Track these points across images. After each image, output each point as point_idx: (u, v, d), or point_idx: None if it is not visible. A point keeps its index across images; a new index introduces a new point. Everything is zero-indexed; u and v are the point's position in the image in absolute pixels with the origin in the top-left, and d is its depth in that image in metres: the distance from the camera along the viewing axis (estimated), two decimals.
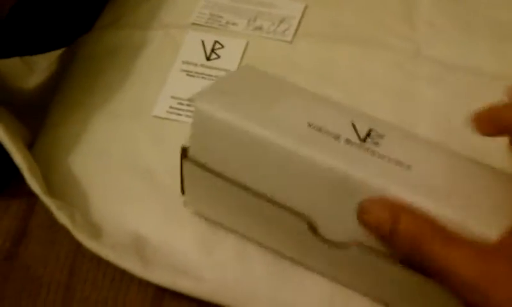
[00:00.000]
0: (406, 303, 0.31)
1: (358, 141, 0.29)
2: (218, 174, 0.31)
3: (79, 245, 0.34)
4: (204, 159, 0.31)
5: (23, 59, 0.46)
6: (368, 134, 0.30)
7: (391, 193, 0.27)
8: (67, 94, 0.43)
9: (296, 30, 0.44)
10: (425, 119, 0.39)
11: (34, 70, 0.47)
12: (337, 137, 0.29)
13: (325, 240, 0.30)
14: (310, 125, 0.30)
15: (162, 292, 0.34)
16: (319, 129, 0.29)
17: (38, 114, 0.43)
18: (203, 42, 0.43)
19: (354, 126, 0.30)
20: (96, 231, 0.34)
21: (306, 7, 0.45)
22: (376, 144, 0.29)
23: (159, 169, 0.37)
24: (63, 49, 0.47)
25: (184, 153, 0.32)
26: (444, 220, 0.26)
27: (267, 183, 0.30)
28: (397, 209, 0.27)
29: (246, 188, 0.30)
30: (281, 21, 0.44)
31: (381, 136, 0.30)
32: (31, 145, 0.40)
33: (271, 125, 0.29)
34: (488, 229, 0.26)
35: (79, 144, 0.39)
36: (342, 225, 0.29)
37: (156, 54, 0.43)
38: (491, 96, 0.40)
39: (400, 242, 0.26)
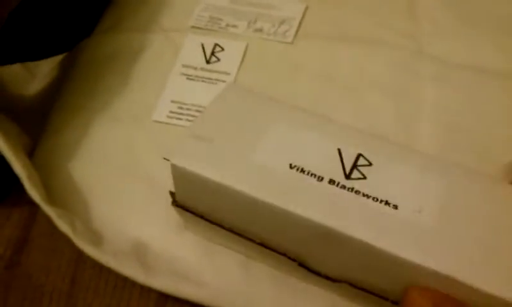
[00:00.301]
0: None
1: (342, 179, 0.29)
2: (207, 219, 0.32)
3: (80, 254, 0.33)
4: (191, 204, 0.32)
5: (24, 65, 0.46)
6: (355, 165, 0.29)
7: (377, 246, 0.26)
8: (67, 100, 0.43)
9: (297, 31, 0.43)
10: (429, 119, 0.39)
11: (35, 76, 0.47)
12: (320, 178, 0.29)
13: (317, 274, 0.30)
14: (291, 167, 0.29)
15: (164, 298, 0.33)
16: (301, 170, 0.29)
17: (39, 120, 0.43)
18: (202, 45, 0.43)
19: (340, 155, 0.30)
20: (97, 239, 0.34)
21: (306, 8, 0.45)
22: (362, 179, 0.29)
23: (159, 174, 0.37)
24: (64, 54, 0.47)
25: (173, 197, 0.32)
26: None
27: (252, 228, 0.30)
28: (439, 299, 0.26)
29: (235, 231, 0.31)
30: (282, 22, 0.43)
31: (369, 164, 0.29)
32: (32, 152, 0.40)
33: (249, 176, 0.29)
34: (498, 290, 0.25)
35: (79, 150, 0.39)
36: (333, 263, 0.29)
37: (156, 57, 0.43)
38: (496, 95, 0.41)
39: None
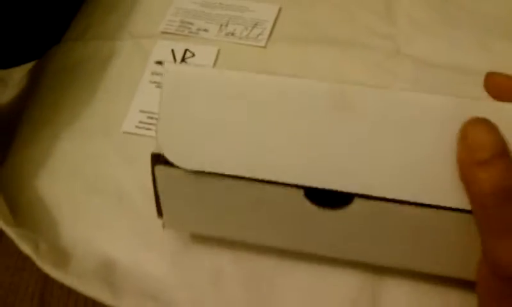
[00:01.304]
0: (407, 259, 0.29)
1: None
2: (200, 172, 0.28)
3: None
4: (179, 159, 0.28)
5: None
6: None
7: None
8: (36, 112, 0.41)
9: (270, 34, 0.42)
10: None
11: (7, 85, 0.46)
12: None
13: (324, 207, 0.28)
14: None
15: None
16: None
17: (8, 132, 0.41)
18: (173, 51, 0.41)
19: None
20: (63, 258, 0.33)
21: (280, 10, 0.43)
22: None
23: (129, 188, 0.36)
24: (32, 63, 0.46)
25: (156, 158, 0.29)
26: None
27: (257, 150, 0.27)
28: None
29: (235, 176, 0.27)
30: (255, 25, 0.42)
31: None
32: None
33: None
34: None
35: (47, 165, 0.38)
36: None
37: (125, 65, 0.42)
38: (476, 94, 0.39)
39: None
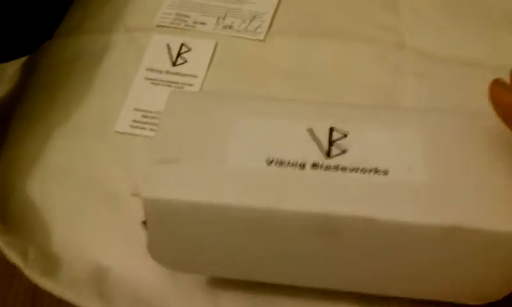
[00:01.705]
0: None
1: (323, 159, 0.26)
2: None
3: None
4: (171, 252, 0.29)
5: None
6: (331, 141, 0.27)
7: (382, 218, 0.25)
8: (29, 108, 0.40)
9: (270, 27, 0.40)
10: None
11: (1, 80, 0.45)
12: (302, 165, 0.26)
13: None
14: (269, 163, 0.27)
15: None
16: (281, 163, 0.26)
17: (2, 128, 0.40)
18: (168, 46, 0.40)
19: (313, 135, 0.27)
20: (53, 265, 0.32)
21: (279, 1, 0.42)
22: (343, 153, 0.27)
23: (123, 191, 0.35)
24: (26, 57, 0.45)
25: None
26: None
27: (246, 255, 0.28)
28: None
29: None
30: (253, 18, 0.40)
31: (345, 136, 0.27)
32: None
33: (230, 186, 0.26)
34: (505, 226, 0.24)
35: (39, 165, 0.36)
36: (335, 271, 0.27)
37: (119, 60, 0.40)
38: (483, 89, 0.37)
39: None
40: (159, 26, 0.41)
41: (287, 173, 0.26)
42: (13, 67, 0.45)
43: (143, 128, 0.36)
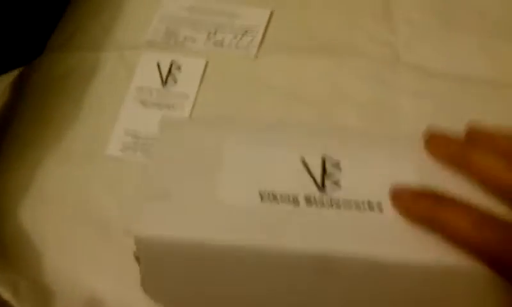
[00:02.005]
0: None
1: (317, 193, 0.26)
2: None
3: None
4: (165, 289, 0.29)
5: None
6: (324, 172, 0.27)
7: (378, 256, 0.25)
8: (18, 131, 0.39)
9: (261, 42, 0.39)
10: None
11: None
12: (296, 200, 0.26)
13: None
14: (262, 198, 0.26)
15: None
16: (274, 198, 0.26)
17: None
18: (158, 65, 0.39)
19: (307, 167, 0.27)
20: (45, 298, 0.32)
21: (271, 14, 0.41)
22: (337, 184, 0.26)
23: (114, 218, 0.34)
24: (15, 74, 0.44)
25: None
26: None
27: (240, 292, 0.27)
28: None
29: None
30: (244, 33, 0.39)
31: (338, 166, 0.27)
32: None
33: (220, 224, 0.26)
34: None
35: (30, 192, 0.36)
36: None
37: (109, 80, 0.40)
38: (485, 106, 0.37)
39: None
40: (148, 43, 0.41)
41: (281, 209, 0.26)
42: (3, 83, 0.44)
43: (133, 152, 0.36)
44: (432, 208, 0.25)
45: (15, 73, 0.45)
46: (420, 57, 0.38)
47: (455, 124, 0.35)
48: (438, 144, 0.27)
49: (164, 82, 0.38)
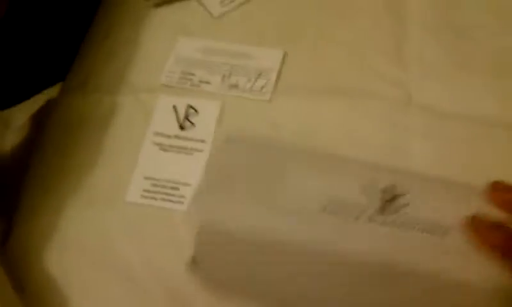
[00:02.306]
0: None
1: (379, 215, 0.27)
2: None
3: None
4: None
5: None
6: (384, 199, 0.28)
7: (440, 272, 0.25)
8: (39, 176, 0.40)
9: (276, 84, 0.40)
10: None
11: (8, 127, 0.46)
12: (358, 217, 0.27)
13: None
14: (325, 210, 0.27)
15: None
16: (336, 210, 0.27)
17: (11, 183, 0.41)
18: (175, 108, 0.40)
19: (366, 191, 0.28)
20: None
21: (285, 55, 0.41)
22: (397, 211, 0.27)
23: (136, 264, 0.35)
24: (36, 109, 0.45)
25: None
26: None
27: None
28: None
29: None
30: (259, 75, 0.40)
31: (404, 195, 0.28)
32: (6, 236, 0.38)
33: (282, 220, 0.27)
34: None
35: (54, 239, 0.37)
36: None
37: (126, 124, 0.40)
38: (497, 147, 0.37)
39: None
40: (164, 86, 0.41)
41: (343, 219, 0.27)
42: (24, 114, 0.45)
43: (153, 198, 0.37)
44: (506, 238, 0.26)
45: (34, 106, 0.46)
46: (432, 97, 0.39)
47: (466, 164, 0.37)
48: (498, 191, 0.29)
49: (181, 126, 0.39)
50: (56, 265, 0.36)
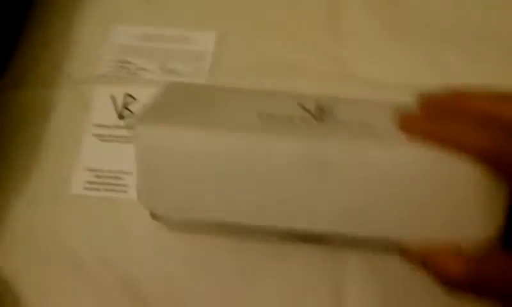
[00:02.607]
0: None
1: (313, 119, 0.29)
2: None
3: None
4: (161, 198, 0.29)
5: None
6: (319, 108, 0.30)
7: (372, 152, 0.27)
8: None
9: (213, 66, 0.40)
10: None
11: None
12: (291, 119, 0.28)
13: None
14: (260, 117, 0.28)
15: None
16: (272, 118, 0.28)
17: None
18: (113, 98, 0.40)
19: (302, 106, 0.30)
20: None
21: (220, 37, 0.42)
22: (331, 116, 0.29)
23: (87, 256, 0.36)
24: None
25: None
26: None
27: (238, 196, 0.28)
28: None
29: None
30: (195, 58, 0.40)
31: (331, 108, 0.30)
32: None
33: (223, 123, 0.28)
34: None
35: (2, 237, 0.37)
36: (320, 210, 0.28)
37: (66, 117, 0.40)
38: None
39: None
40: (101, 76, 0.41)
41: (278, 123, 0.28)
42: None
43: (97, 190, 0.37)
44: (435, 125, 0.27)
45: None
46: (368, 70, 0.40)
47: None
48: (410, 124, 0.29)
49: (120, 115, 0.39)
50: (7, 263, 0.36)
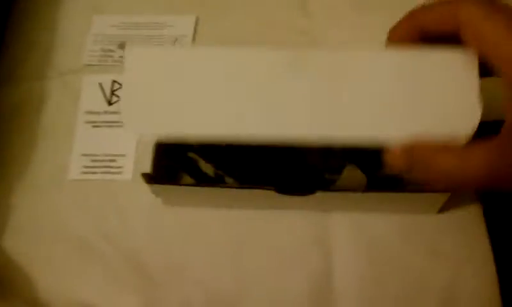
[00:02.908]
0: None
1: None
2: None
3: None
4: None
5: None
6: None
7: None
8: None
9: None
10: None
11: None
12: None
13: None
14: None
15: None
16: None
17: None
18: (101, 85, 0.42)
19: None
20: None
21: (197, 20, 0.44)
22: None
23: (90, 235, 0.39)
24: None
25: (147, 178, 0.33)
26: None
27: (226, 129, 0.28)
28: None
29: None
30: (175, 42, 0.43)
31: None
32: None
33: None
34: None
35: (8, 225, 0.40)
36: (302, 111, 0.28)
37: (57, 107, 0.43)
38: None
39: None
40: (87, 65, 0.44)
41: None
42: None
43: (94, 173, 0.40)
44: None
45: None
46: (335, 41, 0.42)
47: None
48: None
49: (109, 102, 0.42)
50: (15, 247, 0.39)
